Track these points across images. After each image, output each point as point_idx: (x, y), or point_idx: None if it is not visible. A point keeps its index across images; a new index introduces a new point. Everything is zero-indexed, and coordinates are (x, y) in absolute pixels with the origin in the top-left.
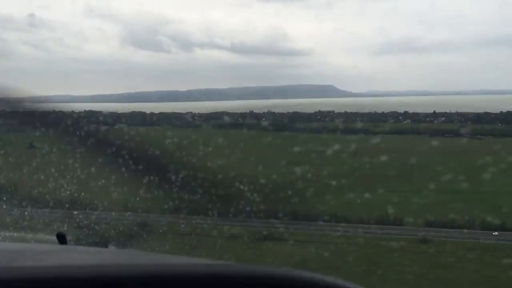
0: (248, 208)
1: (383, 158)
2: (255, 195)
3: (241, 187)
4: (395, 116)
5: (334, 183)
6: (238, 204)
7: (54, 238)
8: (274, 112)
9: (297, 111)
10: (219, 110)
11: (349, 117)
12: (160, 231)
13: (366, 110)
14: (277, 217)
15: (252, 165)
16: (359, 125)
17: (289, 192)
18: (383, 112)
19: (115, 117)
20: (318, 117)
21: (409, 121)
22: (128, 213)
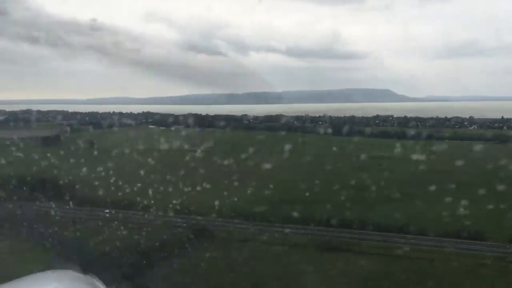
0: (316, 216)
1: (458, 163)
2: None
3: (307, 194)
4: (460, 121)
5: (404, 190)
6: (304, 211)
7: None
8: (330, 116)
9: (354, 115)
10: (274, 114)
11: (409, 121)
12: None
13: (427, 115)
14: (344, 225)
15: (319, 171)
16: (422, 130)
17: (356, 199)
18: (446, 117)
19: (174, 119)
20: (377, 121)
21: (475, 126)
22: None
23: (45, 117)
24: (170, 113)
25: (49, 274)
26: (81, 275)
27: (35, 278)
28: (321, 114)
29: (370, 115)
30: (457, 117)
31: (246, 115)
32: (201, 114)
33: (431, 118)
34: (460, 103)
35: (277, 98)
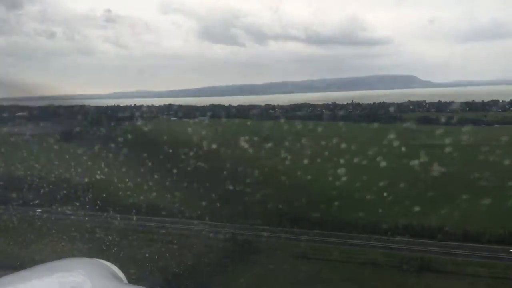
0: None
1: None
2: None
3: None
4: (501, 105)
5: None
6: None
7: None
8: (359, 103)
9: (385, 101)
10: (299, 102)
11: (445, 106)
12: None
13: (461, 99)
14: (409, 232)
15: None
16: (465, 115)
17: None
18: (483, 101)
19: (195, 110)
20: (411, 107)
21: None
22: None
23: (66, 112)
24: (193, 104)
25: (72, 261)
26: (102, 263)
27: (58, 265)
28: (349, 102)
29: (399, 101)
30: (495, 100)
31: (270, 104)
32: (224, 105)
33: (468, 103)
34: (489, 87)
35: (299, 87)
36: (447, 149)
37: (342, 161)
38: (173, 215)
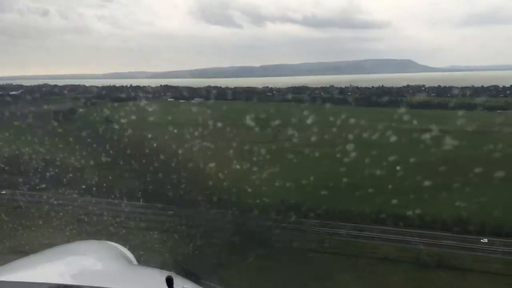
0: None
1: None
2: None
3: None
4: (501, 90)
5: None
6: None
7: None
8: (358, 87)
9: (383, 85)
10: (297, 85)
11: (445, 91)
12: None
13: (464, 84)
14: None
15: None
16: (474, 100)
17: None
18: (482, 86)
19: (192, 92)
20: (411, 91)
21: None
22: None
23: (61, 91)
24: (189, 86)
25: (82, 243)
26: (112, 245)
27: (69, 248)
28: (347, 85)
29: (397, 85)
30: (496, 85)
31: (267, 87)
32: (221, 87)
33: (470, 88)
34: (486, 73)
35: (296, 70)
36: None
37: None
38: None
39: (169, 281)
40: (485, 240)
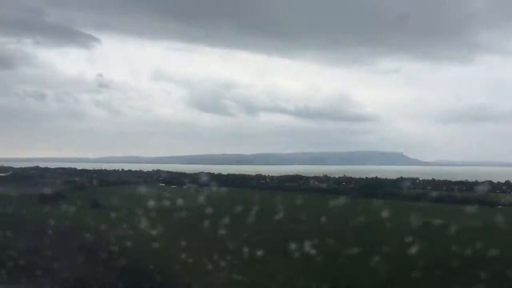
0: None
1: None
2: None
3: None
4: (496, 185)
5: None
6: None
7: None
8: (351, 177)
9: (378, 177)
10: (291, 174)
11: (440, 185)
12: None
13: (458, 178)
14: None
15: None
16: (474, 195)
17: None
18: (476, 181)
19: (184, 177)
20: (408, 184)
21: None
22: None
23: (52, 174)
24: (181, 171)
25: None
26: None
27: None
28: (341, 175)
29: (392, 177)
30: (490, 181)
31: (261, 174)
32: (214, 173)
33: (465, 182)
34: (475, 168)
35: (283, 160)
36: None
37: None
38: None
39: None
40: None
